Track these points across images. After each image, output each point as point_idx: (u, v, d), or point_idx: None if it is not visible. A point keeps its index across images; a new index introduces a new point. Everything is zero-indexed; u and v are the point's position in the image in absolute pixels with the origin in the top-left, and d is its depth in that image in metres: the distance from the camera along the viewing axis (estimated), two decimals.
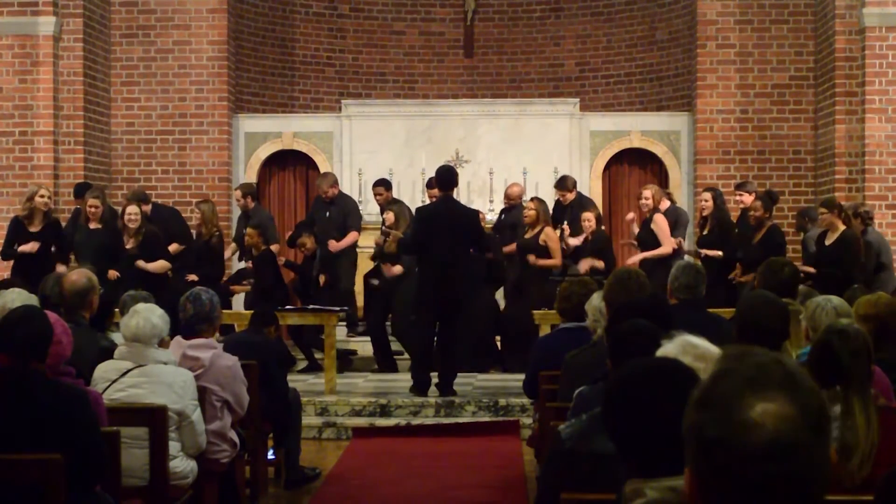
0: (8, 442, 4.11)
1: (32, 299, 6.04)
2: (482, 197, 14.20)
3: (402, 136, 14.66)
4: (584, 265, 11.02)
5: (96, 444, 4.25)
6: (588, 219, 11.29)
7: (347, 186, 14.29)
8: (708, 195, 11.20)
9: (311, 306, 10.78)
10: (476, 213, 10.56)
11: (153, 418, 5.03)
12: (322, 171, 14.60)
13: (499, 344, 11.99)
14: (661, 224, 10.72)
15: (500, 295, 12.26)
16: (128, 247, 10.66)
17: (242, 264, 12.43)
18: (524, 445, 8.48)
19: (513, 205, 12.06)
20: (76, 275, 6.32)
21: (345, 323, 12.26)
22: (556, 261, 11.21)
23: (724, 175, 13.82)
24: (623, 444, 2.33)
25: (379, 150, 14.54)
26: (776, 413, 1.46)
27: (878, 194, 12.59)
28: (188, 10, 13.94)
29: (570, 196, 12.05)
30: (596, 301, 5.92)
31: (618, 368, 3.64)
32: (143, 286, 8.01)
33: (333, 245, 11.90)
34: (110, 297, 7.09)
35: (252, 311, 8.88)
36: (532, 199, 11.70)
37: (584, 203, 11.92)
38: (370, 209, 13.27)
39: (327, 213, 12.18)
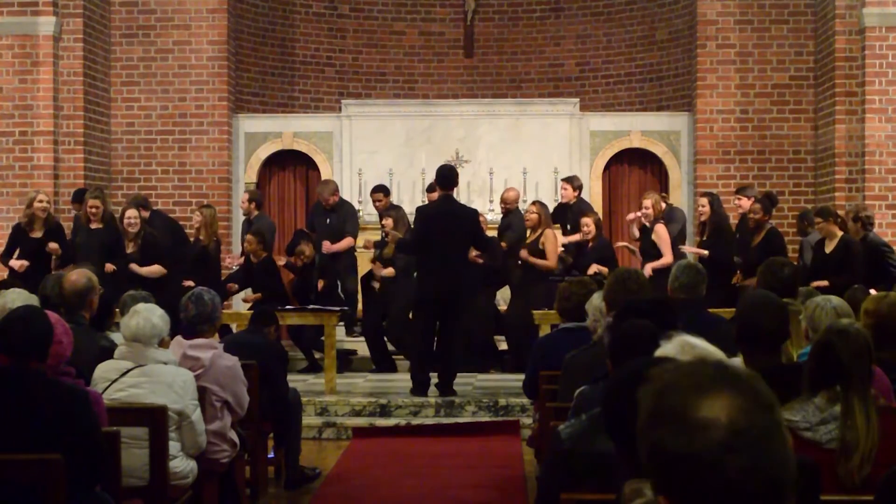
0: (8, 442, 4.11)
1: (33, 299, 6.05)
2: (482, 197, 14.20)
3: (402, 136, 14.66)
4: (590, 272, 11.02)
5: (96, 444, 4.25)
6: (587, 224, 11.28)
7: (347, 186, 14.30)
8: (705, 200, 11.22)
9: (311, 306, 10.78)
10: (475, 212, 10.56)
11: (153, 418, 5.03)
12: (322, 170, 14.61)
13: (499, 344, 11.99)
14: (661, 234, 10.71)
15: (502, 295, 12.27)
16: (128, 251, 10.64)
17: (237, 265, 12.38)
18: (524, 445, 8.48)
19: (509, 209, 12.07)
20: (76, 275, 6.32)
21: (343, 323, 12.25)
22: (549, 262, 11.22)
23: (724, 175, 13.82)
24: (623, 443, 2.33)
25: (379, 150, 14.54)
26: (725, 405, 1.48)
27: (878, 194, 12.59)
28: (188, 10, 13.94)
29: (572, 194, 12.06)
30: (596, 301, 5.92)
31: (617, 368, 3.65)
32: (142, 288, 8.00)
33: (327, 246, 11.89)
34: (110, 297, 7.08)
35: (252, 311, 8.88)
36: (534, 203, 11.71)
37: (583, 208, 11.90)
38: (370, 209, 13.27)
39: (328, 221, 12.16)
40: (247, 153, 14.62)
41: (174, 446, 5.22)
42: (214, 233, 11.58)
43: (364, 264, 12.48)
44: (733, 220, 11.73)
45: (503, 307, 12.09)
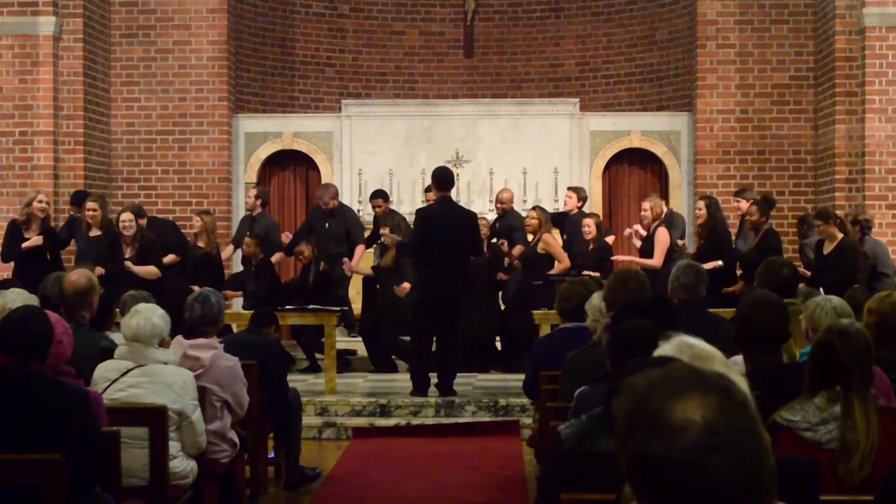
0: (8, 442, 4.11)
1: (33, 299, 6.05)
2: (482, 197, 14.20)
3: (402, 136, 14.66)
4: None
5: (96, 444, 4.25)
6: (588, 225, 11.28)
7: (347, 186, 14.30)
8: (702, 204, 11.24)
9: (311, 306, 10.77)
10: (475, 214, 10.56)
11: (153, 418, 5.03)
12: (322, 170, 14.62)
13: (499, 345, 12.00)
14: (660, 238, 10.69)
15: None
16: (126, 255, 10.58)
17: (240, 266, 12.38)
18: (524, 445, 8.49)
19: (505, 209, 12.08)
20: (76, 275, 6.32)
21: (343, 324, 12.25)
22: (563, 263, 11.19)
23: (724, 175, 13.83)
24: None
25: (379, 150, 14.54)
26: (699, 406, 1.48)
27: (878, 194, 12.59)
28: (188, 10, 13.94)
29: (575, 204, 12.04)
30: (596, 301, 5.92)
31: (621, 368, 3.65)
32: (142, 289, 7.98)
33: (349, 266, 11.83)
34: (110, 297, 7.09)
35: (252, 311, 8.88)
36: (533, 209, 11.72)
37: (582, 220, 11.88)
38: (369, 209, 13.26)
39: (327, 225, 12.12)
40: (247, 153, 14.62)
41: (174, 446, 5.22)
42: (215, 239, 11.50)
43: (363, 263, 12.48)
44: (734, 221, 11.75)
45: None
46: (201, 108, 13.99)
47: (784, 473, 1.60)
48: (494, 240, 11.76)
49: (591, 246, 11.24)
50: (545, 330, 9.57)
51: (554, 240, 11.49)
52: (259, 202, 12.29)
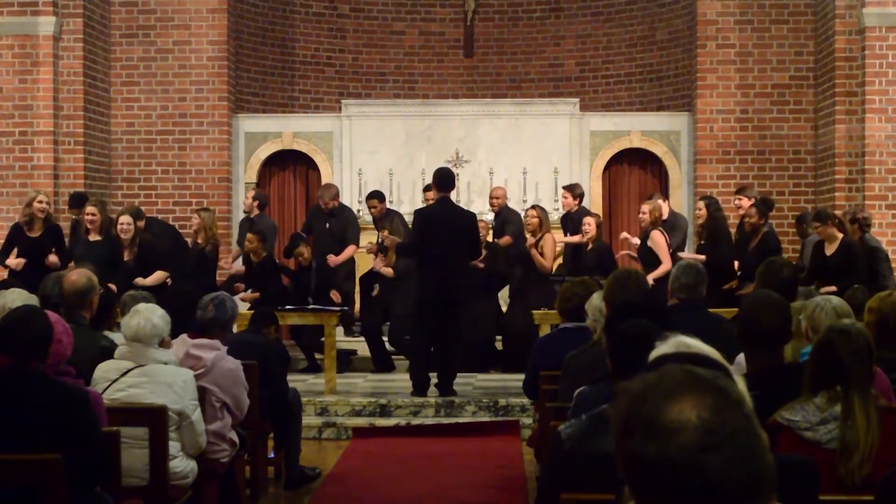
0: (8, 442, 4.11)
1: (32, 299, 6.04)
2: (482, 197, 14.19)
3: (402, 136, 14.65)
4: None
5: (96, 444, 4.24)
6: (588, 223, 11.27)
7: (347, 186, 14.30)
8: (701, 204, 11.24)
9: (311, 306, 10.78)
10: (474, 215, 10.55)
11: (153, 418, 5.02)
12: (322, 170, 14.62)
13: (498, 345, 12.00)
14: (658, 241, 10.66)
15: (502, 296, 12.27)
16: (125, 258, 10.54)
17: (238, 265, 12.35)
18: (524, 445, 8.48)
19: (500, 206, 12.12)
20: (76, 275, 6.31)
21: (342, 324, 12.25)
22: (546, 263, 11.24)
23: (724, 175, 13.83)
24: None
25: (379, 150, 14.54)
26: (695, 406, 1.48)
27: (878, 194, 12.59)
28: (188, 10, 13.94)
29: (573, 203, 12.04)
30: (596, 301, 5.92)
31: (621, 368, 3.65)
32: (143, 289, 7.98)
33: (333, 259, 11.85)
34: (110, 297, 7.08)
35: (252, 311, 8.88)
36: (533, 208, 11.72)
37: (582, 217, 11.88)
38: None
39: (327, 225, 12.11)
40: (247, 153, 14.62)
41: (174, 446, 5.22)
42: (213, 236, 11.49)
43: (362, 266, 12.49)
44: (734, 221, 11.73)
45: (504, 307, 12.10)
46: (201, 108, 13.99)
47: (784, 473, 1.60)
48: (490, 238, 11.79)
49: (590, 246, 11.23)
50: (545, 330, 9.57)
51: (553, 241, 11.51)
52: (256, 204, 12.27)
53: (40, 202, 10.69)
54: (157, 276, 10.47)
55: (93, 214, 10.59)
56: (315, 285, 11.78)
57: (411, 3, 16.21)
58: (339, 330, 11.95)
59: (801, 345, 4.94)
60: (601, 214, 13.85)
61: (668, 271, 10.14)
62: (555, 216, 12.69)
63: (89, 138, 13.22)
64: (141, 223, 11.10)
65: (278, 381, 7.17)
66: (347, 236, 12.10)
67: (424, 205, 11.90)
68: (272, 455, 7.53)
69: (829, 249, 10.13)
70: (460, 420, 9.61)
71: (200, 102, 13.98)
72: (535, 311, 10.22)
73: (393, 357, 11.88)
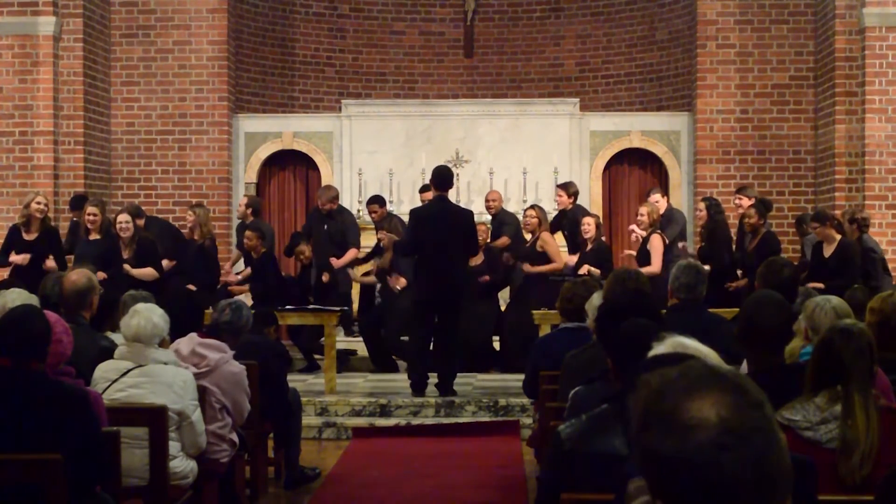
0: (8, 442, 4.11)
1: (33, 299, 6.04)
2: (482, 197, 14.15)
3: (402, 136, 14.66)
4: (582, 272, 11.05)
5: (96, 444, 4.24)
6: (587, 223, 11.27)
7: (347, 186, 14.31)
8: (702, 205, 11.25)
9: (311, 306, 10.77)
10: (470, 213, 10.51)
11: (153, 418, 5.02)
12: (322, 170, 14.62)
13: (497, 345, 11.99)
14: (655, 244, 10.69)
15: (502, 296, 12.27)
16: (125, 256, 10.54)
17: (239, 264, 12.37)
18: (524, 445, 8.48)
19: (495, 209, 12.14)
20: (76, 275, 6.32)
21: (342, 324, 12.25)
22: (556, 264, 11.21)
23: (724, 175, 13.83)
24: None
25: (379, 150, 14.54)
26: (714, 404, 1.48)
27: (878, 194, 12.59)
28: (188, 10, 13.94)
29: (567, 201, 12.03)
30: (596, 301, 5.92)
31: (622, 367, 3.65)
32: (143, 289, 7.98)
33: (335, 263, 11.84)
34: (110, 297, 7.08)
35: (252, 311, 8.86)
36: (531, 207, 11.72)
37: (579, 214, 11.88)
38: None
39: (325, 227, 12.11)
40: (247, 153, 14.62)
41: (174, 446, 5.22)
42: (209, 231, 11.53)
43: (362, 266, 12.49)
44: (734, 220, 11.74)
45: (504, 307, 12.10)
46: (201, 108, 14.00)
47: None
48: (489, 240, 11.81)
49: (589, 246, 11.23)
50: (545, 330, 9.56)
51: (552, 239, 11.49)
52: (250, 211, 12.23)
53: (38, 203, 10.65)
54: (147, 272, 10.37)
55: (94, 215, 10.58)
56: (315, 285, 11.78)
57: (411, 3, 16.21)
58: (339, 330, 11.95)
59: (801, 345, 4.95)
60: (601, 214, 13.86)
61: (655, 274, 10.19)
62: (554, 206, 12.69)
63: (89, 138, 13.22)
64: (141, 221, 11.10)
65: (278, 381, 7.17)
66: (347, 239, 12.08)
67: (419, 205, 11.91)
68: (272, 455, 7.53)
69: (828, 251, 10.14)
70: (460, 420, 9.61)
71: (200, 102, 13.99)
72: (535, 311, 10.21)
73: (393, 357, 11.87)
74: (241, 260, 12.33)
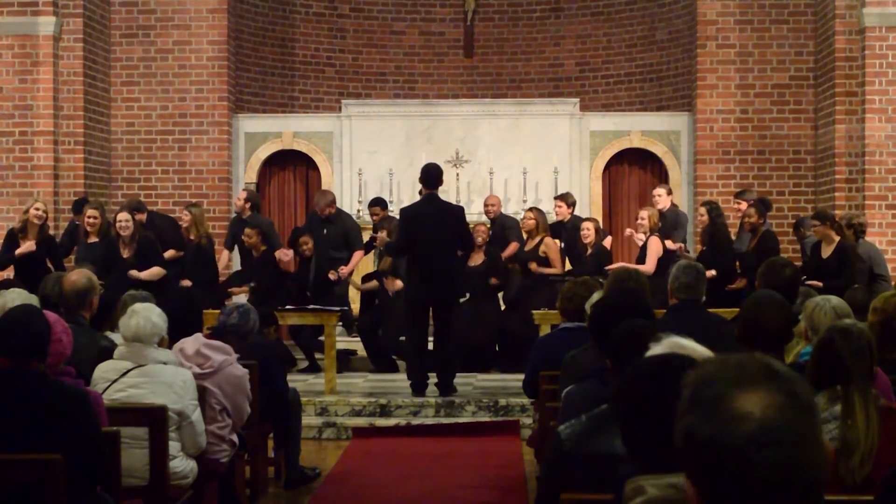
0: (8, 442, 4.11)
1: (33, 299, 6.04)
2: (482, 197, 14.16)
3: (402, 136, 14.66)
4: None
5: (96, 444, 4.24)
6: (587, 228, 11.28)
7: (347, 186, 14.31)
8: (703, 209, 11.26)
9: (311, 306, 10.77)
10: (461, 209, 10.47)
11: (153, 418, 5.02)
12: (322, 170, 14.62)
13: (497, 346, 11.99)
14: (652, 246, 10.71)
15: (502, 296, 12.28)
16: (124, 255, 10.50)
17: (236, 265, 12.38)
18: (524, 445, 8.48)
19: (495, 213, 12.15)
20: (76, 275, 6.32)
21: (342, 324, 12.25)
22: (555, 269, 11.25)
23: (724, 175, 13.83)
24: (631, 439, 2.33)
25: (379, 150, 14.54)
26: (761, 401, 1.48)
27: (878, 194, 12.59)
28: (188, 10, 13.94)
29: (566, 211, 12.02)
30: (596, 301, 5.91)
31: (625, 364, 3.65)
32: (142, 289, 7.98)
33: (344, 271, 11.82)
34: (110, 297, 7.08)
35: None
36: (530, 210, 11.74)
37: (577, 225, 11.86)
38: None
39: (325, 231, 12.11)
40: (247, 153, 14.62)
41: (174, 446, 5.22)
42: (205, 230, 11.55)
43: (362, 267, 12.49)
44: (734, 222, 11.75)
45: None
46: (201, 108, 14.00)
47: None
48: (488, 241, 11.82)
49: (589, 251, 11.23)
50: (545, 330, 9.56)
51: (554, 244, 11.53)
52: (248, 205, 12.23)
53: (37, 209, 10.57)
54: (154, 272, 10.41)
55: (94, 217, 10.56)
56: (314, 286, 11.77)
57: (411, 3, 16.21)
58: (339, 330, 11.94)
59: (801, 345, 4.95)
60: (601, 214, 13.87)
61: (647, 273, 10.19)
62: (552, 217, 12.67)
63: (89, 138, 13.21)
64: (142, 216, 11.13)
65: (278, 381, 7.17)
66: (350, 242, 12.06)
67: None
68: (272, 455, 7.53)
69: (826, 251, 10.13)
70: (460, 420, 9.61)
71: (200, 102, 13.98)
72: (535, 311, 10.21)
73: (393, 357, 11.87)
74: (229, 259, 12.37)
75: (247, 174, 14.51)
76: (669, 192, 11.86)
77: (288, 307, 10.54)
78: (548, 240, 11.40)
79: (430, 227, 9.71)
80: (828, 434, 3.70)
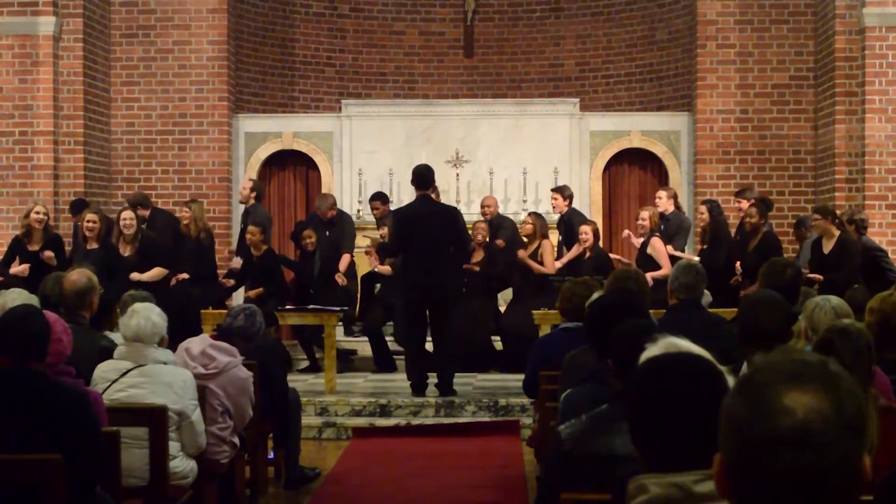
0: (8, 442, 4.11)
1: (33, 299, 6.04)
2: (482, 197, 14.19)
3: (402, 136, 14.66)
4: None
5: (96, 444, 4.24)
6: (585, 232, 11.28)
7: (347, 186, 14.31)
8: (704, 208, 11.25)
9: (311, 306, 10.78)
10: (455, 209, 10.44)
11: (153, 418, 5.02)
12: (322, 170, 14.62)
13: (498, 345, 12.00)
14: (658, 247, 10.67)
15: (502, 296, 12.28)
16: (125, 254, 10.47)
17: (236, 260, 12.35)
18: (524, 445, 8.48)
19: (491, 215, 12.15)
20: (76, 275, 6.32)
21: (342, 324, 12.25)
22: (546, 269, 11.26)
23: (724, 175, 13.83)
24: (637, 435, 2.33)
25: (379, 150, 14.54)
26: (808, 403, 1.46)
27: (878, 194, 12.59)
28: (188, 10, 13.94)
29: (563, 204, 12.02)
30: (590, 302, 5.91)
31: (626, 364, 3.65)
32: (143, 289, 7.98)
33: (341, 279, 11.86)
34: (110, 297, 7.08)
35: None
36: (529, 215, 11.76)
37: (574, 218, 11.86)
38: (369, 209, 13.26)
39: (326, 234, 12.15)
40: (247, 153, 14.62)
41: (174, 446, 5.22)
42: (204, 226, 11.57)
43: (363, 266, 12.49)
44: (734, 221, 11.74)
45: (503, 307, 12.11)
46: (201, 108, 14.00)
47: None
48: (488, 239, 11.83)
49: (588, 254, 11.22)
50: (545, 330, 9.56)
51: (551, 248, 11.55)
52: (254, 195, 12.27)
53: (37, 213, 10.50)
54: (155, 273, 10.45)
55: (93, 222, 10.45)
56: (316, 285, 11.78)
57: (411, 3, 16.21)
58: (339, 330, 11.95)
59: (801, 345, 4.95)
60: (601, 214, 13.87)
61: (667, 276, 10.16)
62: (552, 217, 12.68)
63: (89, 138, 13.21)
64: (146, 212, 11.16)
65: (278, 381, 7.17)
66: (342, 244, 12.14)
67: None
68: (272, 455, 7.53)
69: (827, 246, 10.12)
70: (460, 420, 9.61)
71: (200, 102, 13.98)
72: (535, 311, 10.21)
73: (394, 356, 11.87)
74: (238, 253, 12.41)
75: (247, 174, 14.51)
76: (672, 196, 11.80)
77: (288, 307, 10.55)
78: (545, 242, 11.41)
79: (424, 227, 9.69)
80: None
